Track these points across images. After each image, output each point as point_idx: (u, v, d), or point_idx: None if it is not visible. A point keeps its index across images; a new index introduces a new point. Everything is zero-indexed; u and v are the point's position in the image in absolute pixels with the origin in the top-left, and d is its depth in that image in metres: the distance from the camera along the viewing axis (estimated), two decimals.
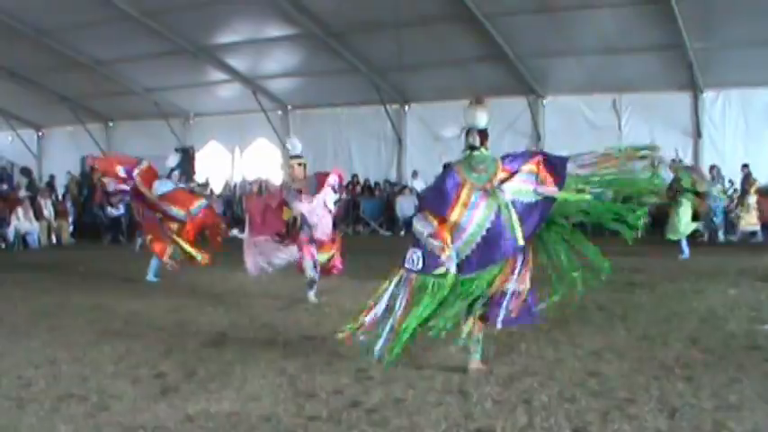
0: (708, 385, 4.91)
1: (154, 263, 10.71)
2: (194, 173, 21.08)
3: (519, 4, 15.47)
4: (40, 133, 26.20)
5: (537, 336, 6.32)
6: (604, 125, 18.67)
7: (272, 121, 22.07)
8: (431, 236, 5.20)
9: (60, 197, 20.59)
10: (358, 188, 20.81)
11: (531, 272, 5.27)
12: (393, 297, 5.39)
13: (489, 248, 5.18)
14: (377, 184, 21.10)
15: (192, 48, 18.75)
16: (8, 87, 21.66)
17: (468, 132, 5.48)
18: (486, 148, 5.45)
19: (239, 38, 18.55)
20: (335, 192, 8.74)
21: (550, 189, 5.26)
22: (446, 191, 5.31)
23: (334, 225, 8.97)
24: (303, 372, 5.42)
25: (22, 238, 17.07)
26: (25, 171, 22.62)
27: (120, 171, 10.56)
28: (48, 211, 18.07)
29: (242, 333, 6.93)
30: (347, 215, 20.29)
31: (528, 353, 5.80)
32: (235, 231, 10.59)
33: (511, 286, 5.17)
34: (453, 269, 5.14)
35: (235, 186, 22.47)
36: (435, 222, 5.24)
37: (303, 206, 8.47)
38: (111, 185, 10.77)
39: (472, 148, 5.43)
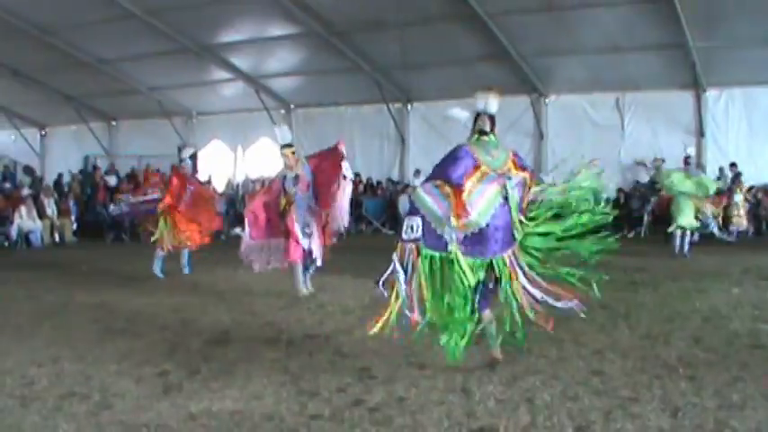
0: (710, 384, 4.91)
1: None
2: (197, 171, 21.10)
3: (522, 3, 15.45)
4: (44, 132, 26.22)
5: (540, 334, 6.31)
6: (607, 124, 18.70)
7: (276, 120, 22.06)
8: (438, 207, 5.12)
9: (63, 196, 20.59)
10: (360, 187, 20.79)
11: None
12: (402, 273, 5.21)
13: (484, 240, 5.16)
14: (379, 182, 21.11)
15: (195, 47, 18.76)
16: (11, 86, 21.68)
17: (479, 117, 5.50)
18: (495, 135, 5.46)
19: (242, 37, 18.56)
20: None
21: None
22: (462, 161, 5.23)
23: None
24: (306, 370, 5.42)
25: (25, 237, 17.09)
26: (28, 170, 22.67)
27: None
28: (51, 209, 18.09)
29: (245, 332, 6.93)
30: (350, 214, 20.26)
31: (531, 351, 5.80)
32: (237, 230, 10.62)
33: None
34: (454, 245, 5.07)
35: (237, 185, 22.48)
36: (448, 190, 5.13)
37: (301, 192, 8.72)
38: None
39: (482, 132, 5.45)
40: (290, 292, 8.89)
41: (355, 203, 20.02)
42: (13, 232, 16.89)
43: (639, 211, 17.57)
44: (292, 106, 22.49)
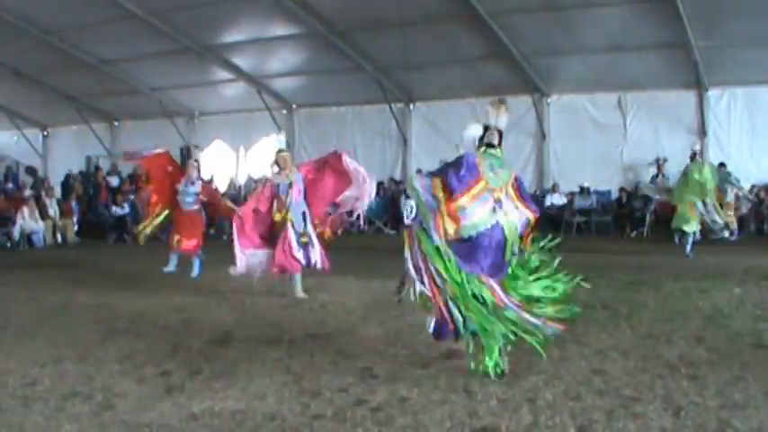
0: (713, 384, 4.90)
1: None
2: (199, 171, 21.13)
3: (524, 3, 15.43)
4: (46, 132, 26.22)
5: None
6: (609, 124, 18.68)
7: (277, 120, 22.09)
8: (427, 205, 5.17)
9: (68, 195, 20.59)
10: None
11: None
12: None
13: (471, 254, 5.17)
14: (381, 182, 21.06)
15: (196, 47, 18.77)
16: (13, 86, 21.69)
17: (488, 129, 5.51)
18: (501, 150, 5.48)
19: (244, 37, 18.56)
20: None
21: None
22: (467, 171, 5.24)
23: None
24: (308, 370, 5.42)
25: (28, 238, 17.10)
26: (30, 170, 22.69)
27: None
28: (53, 210, 18.10)
29: (247, 332, 6.93)
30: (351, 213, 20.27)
31: (533, 351, 5.79)
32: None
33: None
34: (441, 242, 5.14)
35: (240, 186, 22.47)
36: (441, 195, 5.17)
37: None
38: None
39: (489, 145, 5.46)
40: (292, 293, 8.90)
41: None
42: (16, 233, 16.89)
43: (642, 211, 17.56)
44: (294, 106, 22.48)
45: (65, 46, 18.88)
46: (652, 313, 7.49)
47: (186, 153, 21.34)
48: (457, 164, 5.29)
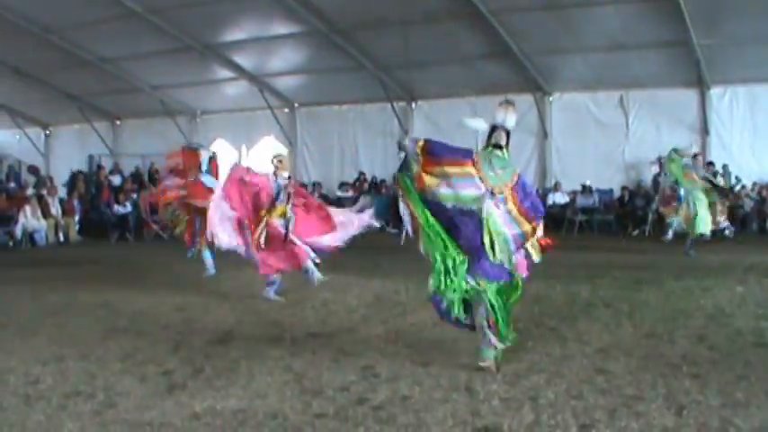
0: (715, 382, 4.91)
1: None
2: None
3: (525, 1, 15.40)
4: (48, 131, 26.22)
5: (544, 333, 6.31)
6: (611, 122, 18.66)
7: (279, 119, 22.09)
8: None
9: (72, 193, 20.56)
10: (365, 185, 20.79)
11: None
12: None
13: (449, 224, 5.32)
14: (383, 180, 21.06)
15: (198, 45, 18.76)
16: (15, 85, 21.68)
17: (495, 129, 5.51)
18: (508, 150, 5.47)
19: (246, 35, 18.54)
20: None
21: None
22: (459, 150, 5.39)
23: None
24: (309, 369, 5.43)
25: (30, 236, 17.10)
26: (33, 169, 22.68)
27: None
28: (55, 209, 18.10)
29: (248, 330, 6.94)
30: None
31: (535, 350, 5.80)
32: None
33: None
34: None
35: None
36: (420, 154, 5.32)
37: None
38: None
39: (496, 146, 5.46)
40: (293, 292, 8.90)
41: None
42: (18, 232, 16.89)
43: (643, 210, 17.54)
44: (296, 105, 22.47)
45: (66, 44, 18.87)
46: (654, 312, 7.48)
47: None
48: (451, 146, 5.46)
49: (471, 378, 5.07)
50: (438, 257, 5.26)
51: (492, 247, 5.23)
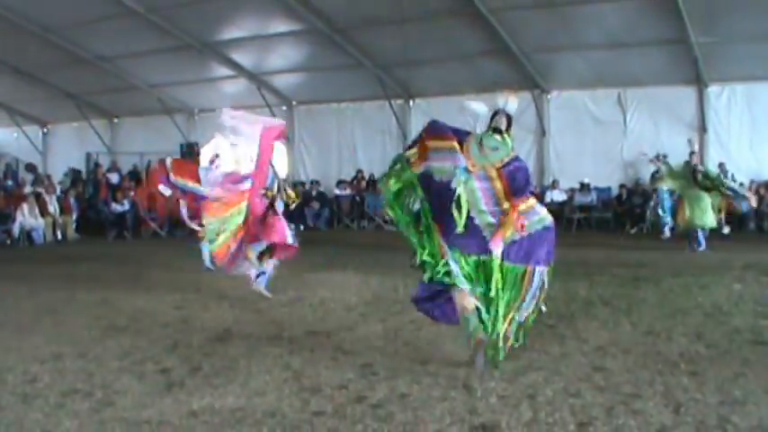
0: (712, 380, 4.91)
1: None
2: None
3: None
4: (45, 129, 26.16)
5: (542, 331, 6.31)
6: (609, 120, 18.66)
7: (277, 117, 22.04)
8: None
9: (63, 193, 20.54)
10: (363, 183, 20.79)
11: None
12: None
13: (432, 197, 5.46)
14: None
15: (196, 44, 18.73)
16: (13, 83, 21.65)
17: (496, 114, 5.55)
18: (510, 136, 5.50)
19: (244, 33, 18.51)
20: None
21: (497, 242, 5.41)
22: (450, 128, 5.57)
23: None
24: (308, 367, 5.43)
25: (27, 235, 17.10)
26: (30, 167, 22.66)
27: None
28: (53, 207, 18.09)
29: (247, 328, 6.94)
30: (352, 210, 20.32)
31: (532, 348, 5.79)
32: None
33: None
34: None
35: None
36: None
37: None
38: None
39: (496, 130, 5.48)
40: (292, 290, 8.90)
41: (361, 199, 20.18)
42: (16, 230, 16.89)
43: (642, 207, 17.56)
44: (294, 103, 22.45)
45: (64, 43, 18.84)
46: (652, 310, 7.49)
47: (186, 150, 21.31)
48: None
49: (469, 376, 5.08)
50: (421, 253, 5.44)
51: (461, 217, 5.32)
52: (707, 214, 12.73)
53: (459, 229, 5.27)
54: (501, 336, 5.31)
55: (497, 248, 5.32)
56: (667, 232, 15.77)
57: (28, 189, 18.65)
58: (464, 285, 5.29)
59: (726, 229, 15.37)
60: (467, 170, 5.31)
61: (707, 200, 12.73)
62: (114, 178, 20.98)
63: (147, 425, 4.26)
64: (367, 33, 17.81)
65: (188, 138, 22.86)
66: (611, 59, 17.12)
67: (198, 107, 23.58)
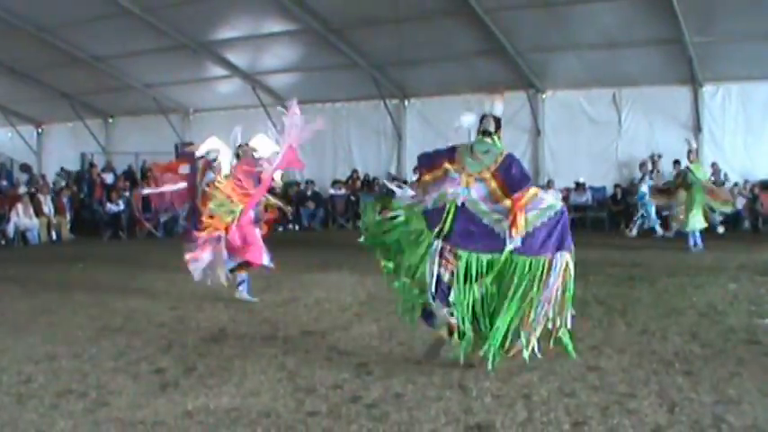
0: (707, 379, 4.92)
1: None
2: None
3: None
4: (40, 129, 26.11)
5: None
6: (604, 120, 18.69)
7: (272, 117, 22.02)
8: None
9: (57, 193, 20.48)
10: (358, 183, 20.79)
11: None
12: None
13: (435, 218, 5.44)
14: (376, 178, 21.07)
15: (191, 43, 18.72)
16: (7, 83, 21.61)
17: (484, 117, 5.55)
18: (499, 138, 5.52)
19: (239, 33, 18.51)
20: None
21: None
22: (440, 154, 5.62)
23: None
24: (303, 367, 5.42)
25: (22, 235, 17.06)
26: (25, 167, 22.61)
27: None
28: (47, 207, 18.05)
29: (241, 329, 6.93)
30: (347, 210, 20.30)
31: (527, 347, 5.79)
32: None
33: None
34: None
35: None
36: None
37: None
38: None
39: (485, 133, 5.49)
40: (286, 290, 8.89)
41: (356, 199, 20.17)
42: (10, 230, 16.86)
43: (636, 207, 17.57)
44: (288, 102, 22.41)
45: (59, 43, 18.81)
46: (647, 309, 7.50)
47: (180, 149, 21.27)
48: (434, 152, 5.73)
49: (464, 376, 5.08)
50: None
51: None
52: (696, 218, 12.82)
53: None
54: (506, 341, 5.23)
55: (516, 237, 5.15)
56: (660, 230, 15.86)
57: (22, 189, 18.60)
58: (440, 311, 5.28)
59: (720, 229, 15.45)
60: (465, 189, 5.36)
61: (696, 202, 12.80)
62: (109, 178, 20.93)
63: (142, 425, 4.25)
64: (362, 33, 17.82)
65: (183, 137, 22.82)
66: (606, 59, 17.15)
67: (193, 107, 23.58)
